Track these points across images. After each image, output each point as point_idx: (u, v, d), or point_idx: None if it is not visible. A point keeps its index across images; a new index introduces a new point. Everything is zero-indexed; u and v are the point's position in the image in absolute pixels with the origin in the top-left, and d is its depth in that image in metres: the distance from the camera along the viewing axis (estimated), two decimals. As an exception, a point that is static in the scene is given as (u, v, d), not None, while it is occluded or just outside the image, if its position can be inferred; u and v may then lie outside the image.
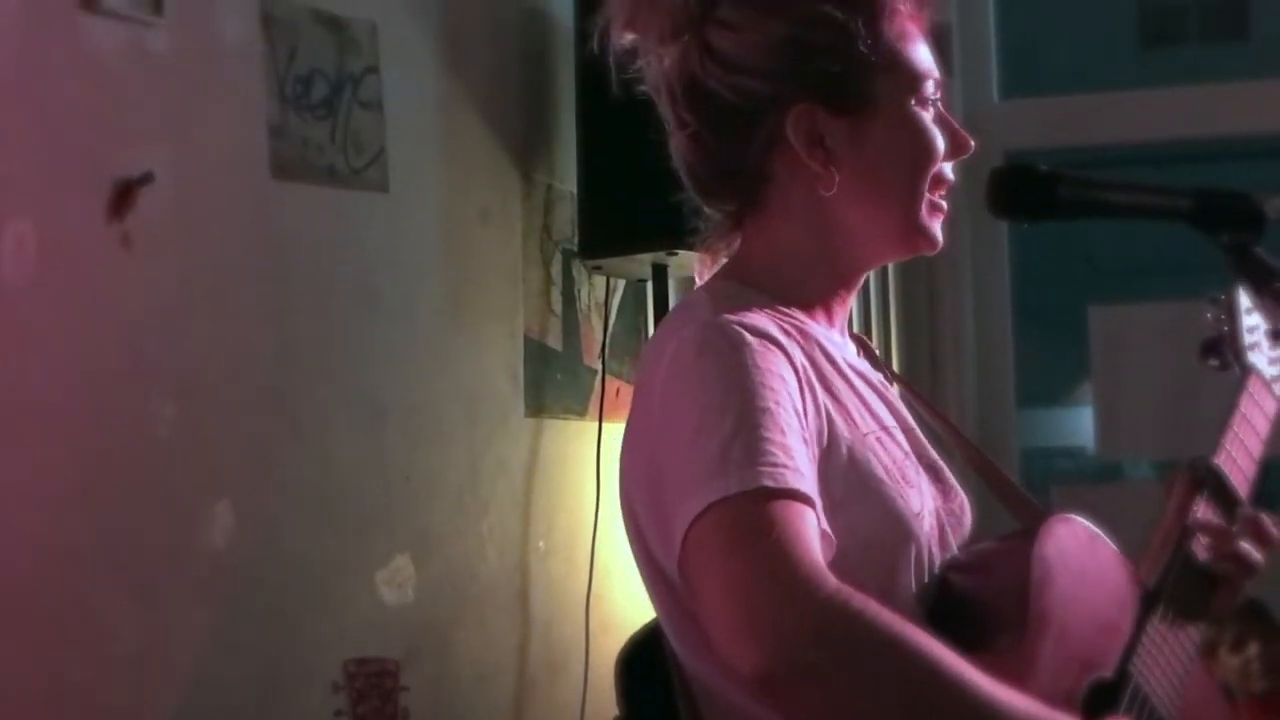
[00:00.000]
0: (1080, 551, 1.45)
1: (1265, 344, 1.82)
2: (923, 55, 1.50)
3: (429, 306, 3.17)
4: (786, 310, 1.46)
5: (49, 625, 2.36)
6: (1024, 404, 3.86)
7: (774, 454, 1.27)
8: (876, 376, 1.55)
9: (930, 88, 1.51)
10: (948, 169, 1.53)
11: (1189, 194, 1.30)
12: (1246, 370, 1.77)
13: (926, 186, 1.51)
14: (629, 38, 1.53)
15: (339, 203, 2.94)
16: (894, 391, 1.60)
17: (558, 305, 3.46)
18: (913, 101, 1.49)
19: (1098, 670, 1.40)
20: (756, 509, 1.24)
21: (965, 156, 1.55)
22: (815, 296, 1.50)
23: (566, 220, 3.49)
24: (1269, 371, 1.80)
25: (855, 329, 3.60)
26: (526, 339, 3.38)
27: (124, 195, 2.49)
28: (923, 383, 3.58)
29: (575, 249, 3.45)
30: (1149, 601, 1.47)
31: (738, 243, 1.56)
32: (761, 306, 1.43)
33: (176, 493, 2.58)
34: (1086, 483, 5.38)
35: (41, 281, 2.37)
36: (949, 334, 3.62)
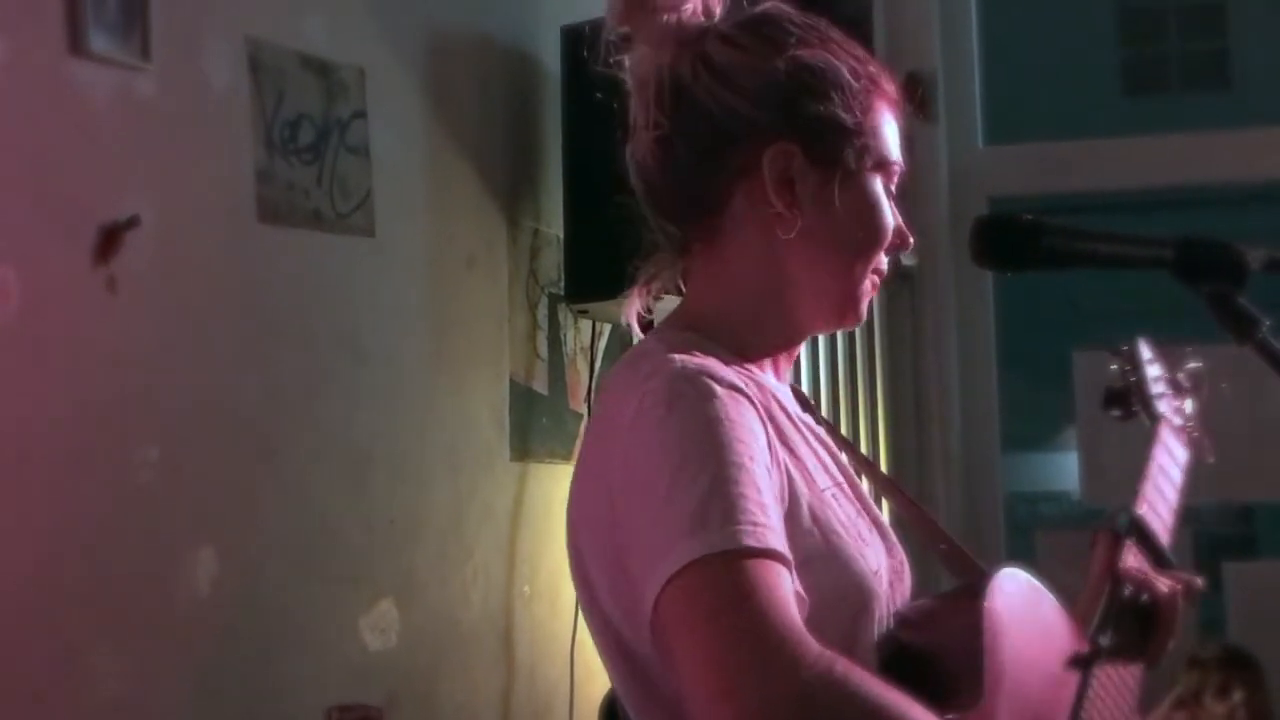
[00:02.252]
0: (1025, 606, 1.44)
1: (1169, 393, 1.83)
2: (895, 142, 1.49)
3: (414, 351, 3.17)
4: (740, 362, 1.43)
5: (29, 670, 2.34)
6: (1009, 449, 3.86)
7: (753, 512, 1.24)
8: (820, 431, 1.53)
9: (895, 175, 1.49)
10: (885, 261, 1.50)
11: (1171, 244, 1.30)
12: (1157, 419, 1.78)
13: (873, 263, 1.48)
14: (621, 30, 1.49)
15: (325, 247, 2.95)
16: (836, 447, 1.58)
17: (544, 349, 3.46)
18: (880, 180, 1.47)
19: None
20: (737, 569, 1.21)
21: (903, 251, 1.53)
22: (765, 349, 1.47)
23: (553, 264, 3.50)
24: (1177, 420, 1.81)
25: (840, 374, 3.65)
26: (512, 383, 3.38)
27: (110, 239, 2.49)
28: (908, 428, 3.58)
29: (561, 293, 3.46)
30: (1091, 653, 1.47)
31: (680, 277, 1.52)
32: (716, 357, 1.39)
33: (159, 538, 2.57)
34: (1071, 528, 5.38)
35: (26, 325, 2.36)
36: (934, 379, 3.63)
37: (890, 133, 1.48)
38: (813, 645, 1.19)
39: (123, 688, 2.47)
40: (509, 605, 3.33)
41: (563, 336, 3.52)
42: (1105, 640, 1.47)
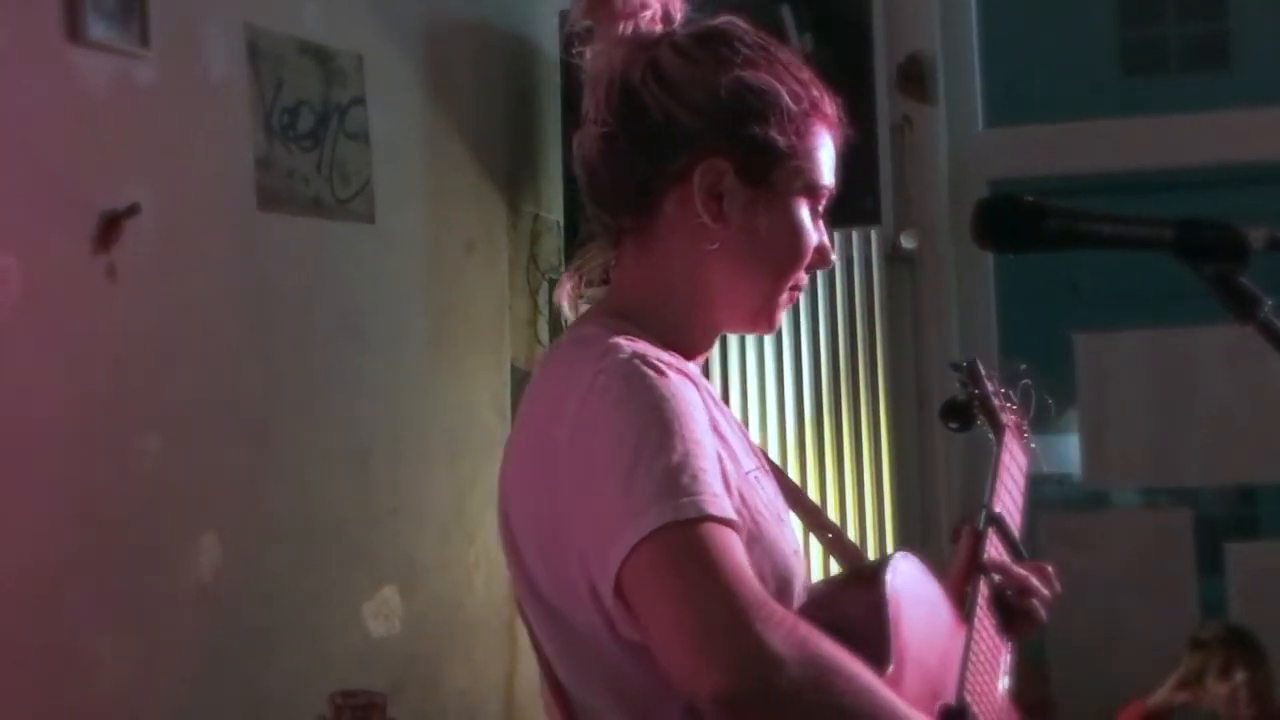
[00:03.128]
0: (921, 586, 1.53)
1: (1005, 407, 1.96)
2: (829, 167, 1.55)
3: (415, 337, 3.17)
4: (665, 349, 1.48)
5: (33, 657, 2.35)
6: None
7: (712, 484, 1.32)
8: (736, 418, 1.59)
9: (824, 198, 1.55)
10: (804, 276, 1.57)
11: (1173, 224, 1.30)
12: (1001, 429, 1.88)
13: (791, 280, 1.55)
14: (584, 23, 1.56)
15: (325, 234, 2.95)
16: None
17: (544, 335, 3.46)
18: (806, 203, 1.53)
19: (943, 698, 1.47)
20: (703, 534, 1.28)
21: (824, 268, 1.61)
22: (687, 342, 1.53)
23: (553, 250, 3.50)
24: (1016, 430, 1.93)
25: (841, 356, 3.65)
26: (513, 369, 3.38)
27: (110, 227, 2.49)
28: (909, 410, 3.58)
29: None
30: (967, 634, 1.56)
31: (612, 267, 1.59)
32: (652, 343, 1.45)
33: (162, 525, 2.57)
34: (1073, 510, 5.38)
35: (27, 313, 2.36)
36: (934, 361, 3.62)
37: (824, 157, 1.54)
38: (776, 605, 1.28)
39: (126, 674, 2.48)
40: (511, 591, 3.33)
41: (563, 322, 3.51)
42: (982, 616, 1.58)
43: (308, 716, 2.58)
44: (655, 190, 1.51)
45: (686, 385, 1.39)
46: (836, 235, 3.62)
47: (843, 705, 1.28)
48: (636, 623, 1.32)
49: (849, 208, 3.88)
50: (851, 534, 3.52)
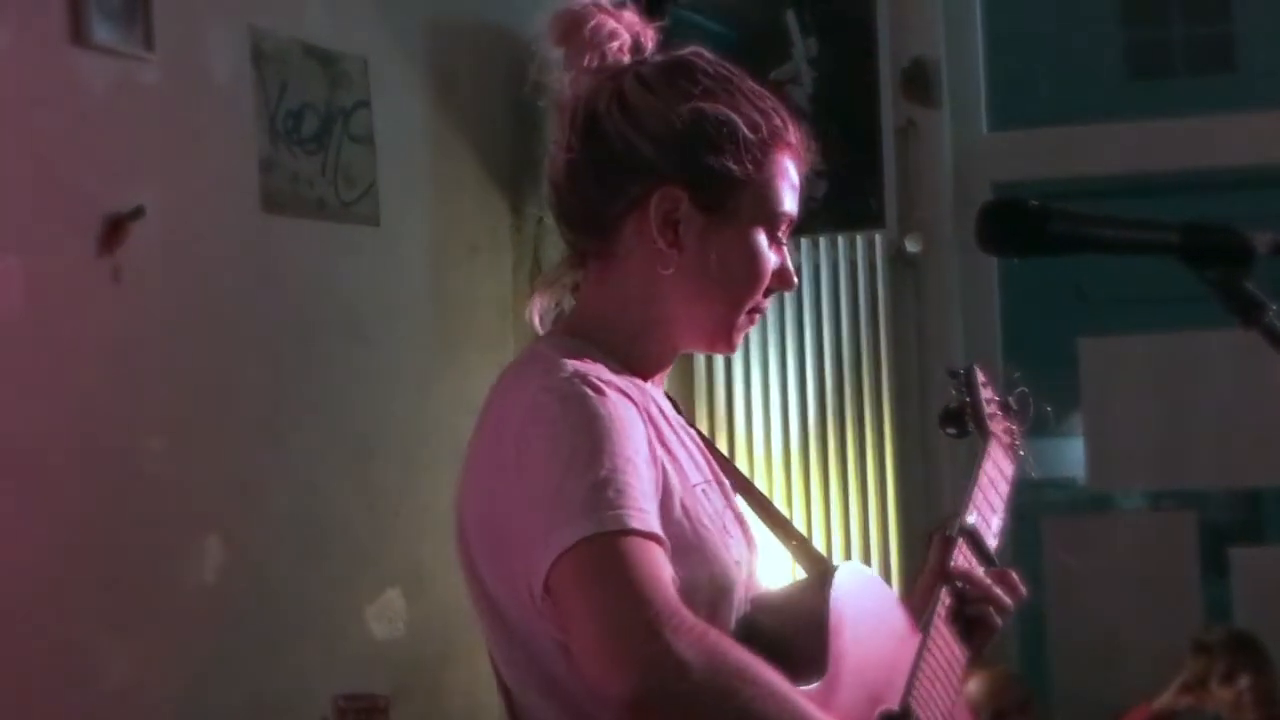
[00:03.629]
0: (867, 596, 1.59)
1: (999, 414, 1.98)
2: (789, 195, 1.58)
3: (419, 339, 3.17)
4: (622, 369, 1.53)
5: (37, 657, 2.35)
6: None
7: (638, 499, 1.37)
8: (692, 433, 1.63)
9: (783, 225, 1.59)
10: (767, 299, 1.62)
11: (1177, 229, 1.30)
12: (988, 436, 1.91)
13: (749, 306, 1.59)
14: (556, 52, 1.62)
15: (329, 236, 2.95)
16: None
17: (548, 338, 3.46)
18: (762, 230, 1.57)
19: (885, 704, 1.52)
20: (624, 546, 1.35)
21: (786, 291, 1.65)
22: (643, 362, 1.57)
23: (556, 252, 3.49)
24: (1004, 439, 1.95)
25: (845, 360, 3.65)
26: (517, 372, 3.38)
27: (115, 229, 2.49)
28: (913, 414, 3.58)
29: (566, 282, 3.45)
30: (921, 642, 1.60)
31: (576, 288, 1.65)
32: (603, 363, 1.50)
33: (165, 526, 2.57)
34: (1078, 513, 5.38)
35: (31, 315, 2.37)
36: (939, 363, 3.62)
37: (784, 186, 1.58)
38: (688, 615, 1.33)
39: (129, 675, 2.48)
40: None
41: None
42: (940, 624, 1.61)
43: (311, 719, 2.57)
44: (615, 215, 1.55)
45: (623, 404, 1.44)
46: (840, 239, 3.66)
47: (748, 711, 1.33)
48: (561, 629, 1.39)
49: (853, 211, 3.91)
50: (854, 537, 3.52)
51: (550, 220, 3.63)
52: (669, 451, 1.50)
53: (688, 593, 1.41)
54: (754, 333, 3.59)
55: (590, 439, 1.40)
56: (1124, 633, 3.69)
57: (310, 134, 2.90)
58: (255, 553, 2.72)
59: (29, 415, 2.35)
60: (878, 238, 3.57)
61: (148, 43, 2.55)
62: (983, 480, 1.84)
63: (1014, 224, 1.32)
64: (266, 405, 2.78)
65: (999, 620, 1.68)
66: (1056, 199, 1.33)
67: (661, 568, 1.35)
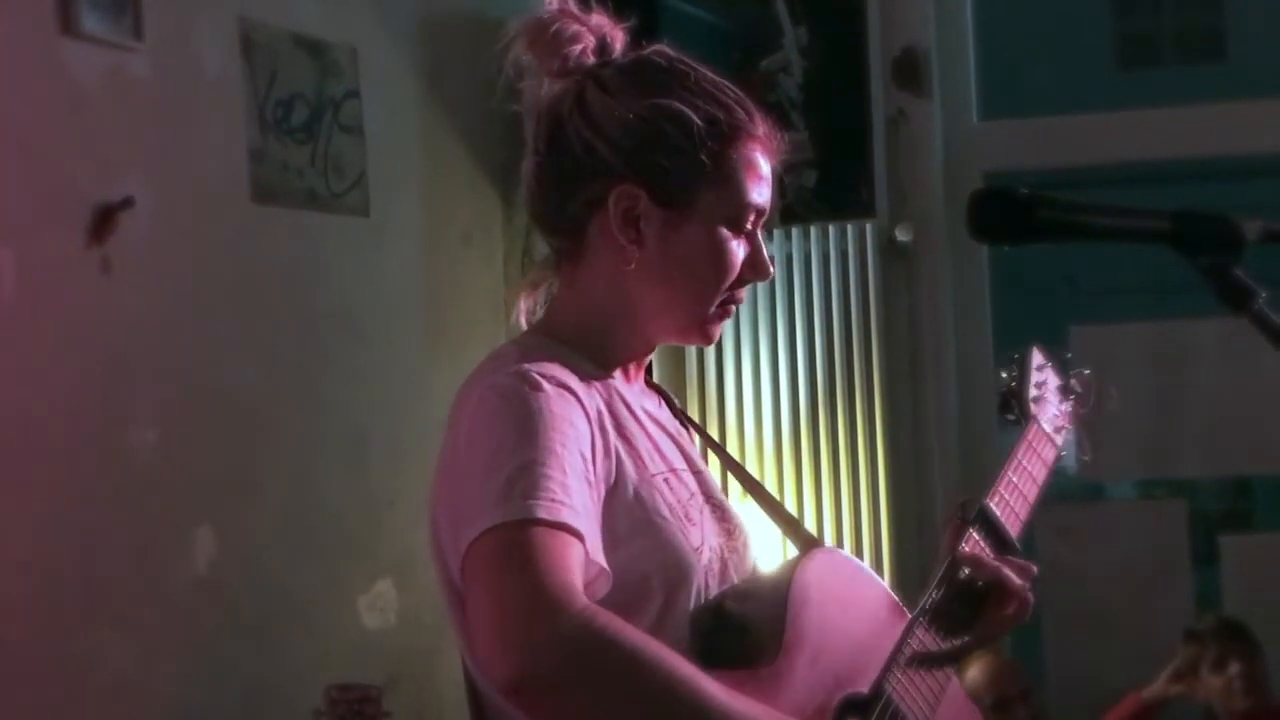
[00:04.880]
0: (839, 580, 1.58)
1: (1053, 399, 1.96)
2: (756, 186, 1.59)
3: (410, 330, 3.17)
4: (589, 365, 1.57)
5: (29, 650, 2.35)
6: (1004, 425, 3.85)
7: (553, 490, 1.40)
8: (674, 424, 1.67)
9: (751, 217, 1.60)
10: (742, 290, 1.63)
11: (1168, 216, 1.30)
12: (1029, 420, 1.90)
13: (718, 298, 1.61)
14: (526, 57, 1.66)
15: (319, 227, 2.94)
16: (690, 438, 1.70)
17: (539, 328, 3.46)
18: (726, 225, 1.58)
19: (853, 688, 1.51)
20: (526, 535, 1.38)
21: (761, 281, 1.64)
22: (613, 356, 1.61)
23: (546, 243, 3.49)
24: (1052, 423, 1.93)
25: (836, 349, 3.65)
26: (508, 362, 3.38)
27: (104, 220, 2.49)
28: (904, 403, 3.58)
29: (557, 272, 3.45)
30: (909, 624, 1.58)
31: (555, 287, 1.68)
32: (565, 360, 1.54)
33: (158, 518, 2.57)
34: (1068, 502, 5.39)
35: (21, 306, 2.36)
36: (930, 354, 3.62)
37: (749, 177, 1.58)
38: (578, 599, 1.36)
39: (122, 667, 2.48)
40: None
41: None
42: (929, 613, 1.59)
43: (303, 710, 2.58)
44: (580, 216, 1.59)
45: (561, 398, 1.47)
46: (831, 228, 3.66)
47: (639, 692, 1.36)
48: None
49: (844, 200, 3.91)
50: (845, 526, 3.52)
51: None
52: (627, 442, 1.53)
53: (640, 579, 1.47)
54: (745, 321, 3.62)
55: (517, 432, 1.44)
56: (1115, 621, 3.69)
57: (300, 124, 2.89)
58: (247, 544, 2.72)
59: (18, 406, 2.35)
60: (868, 227, 3.57)
61: (137, 33, 2.55)
62: (1014, 464, 1.82)
63: (1004, 211, 1.33)
64: (257, 396, 2.78)
65: (1011, 607, 1.64)
66: (1047, 188, 1.34)
67: (563, 556, 1.38)
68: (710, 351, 3.51)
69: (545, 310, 1.68)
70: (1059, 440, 1.93)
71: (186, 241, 2.66)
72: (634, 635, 1.37)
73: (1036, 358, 1.97)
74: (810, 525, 3.48)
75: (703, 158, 1.56)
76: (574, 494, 1.42)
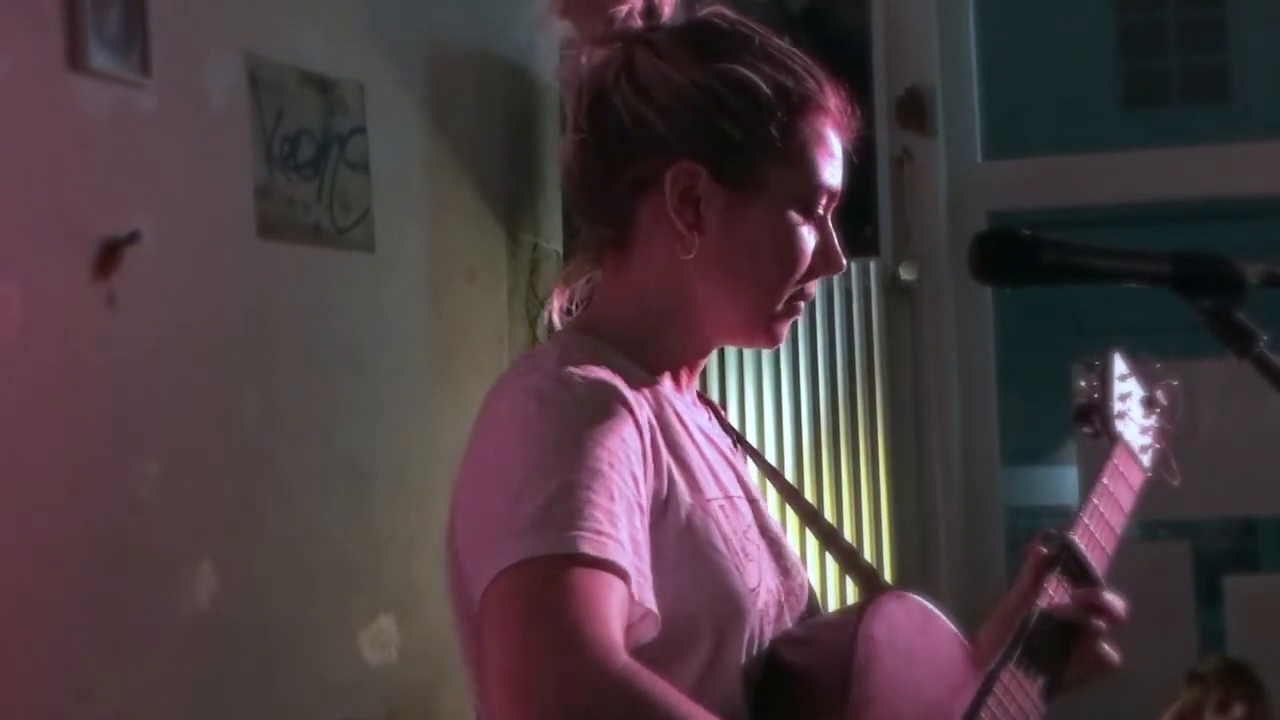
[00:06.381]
0: (910, 630, 1.39)
1: (1138, 412, 1.78)
2: (828, 165, 1.41)
3: (414, 365, 3.17)
4: (638, 368, 1.39)
5: (29, 684, 2.34)
6: (1009, 463, 3.86)
7: (598, 519, 1.21)
8: (726, 443, 1.49)
9: (823, 200, 1.42)
10: (812, 285, 1.44)
11: (1169, 259, 1.30)
12: (1114, 440, 1.71)
13: (787, 292, 1.42)
14: (560, 25, 1.45)
15: (325, 262, 2.95)
16: (743, 460, 1.53)
17: (543, 364, 3.46)
18: (796, 208, 1.40)
19: None
20: (564, 575, 1.18)
21: (833, 275, 1.45)
22: (665, 359, 1.42)
23: (552, 279, 3.50)
24: (1138, 441, 1.75)
25: (840, 387, 3.65)
26: (512, 398, 3.38)
27: (110, 254, 2.50)
28: (908, 442, 3.58)
29: (561, 308, 3.46)
30: (987, 679, 1.40)
31: (595, 281, 1.49)
32: (612, 362, 1.35)
33: (159, 552, 2.57)
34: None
35: (27, 339, 2.36)
36: (933, 393, 3.62)
37: (821, 155, 1.41)
38: (617, 658, 1.16)
39: (122, 702, 2.47)
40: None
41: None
42: (1010, 669, 1.41)
43: (303, 746, 2.56)
44: (628, 199, 1.40)
45: (612, 410, 1.28)
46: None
47: None
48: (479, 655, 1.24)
49: (848, 238, 3.90)
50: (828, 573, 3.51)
51: (546, 246, 3.65)
52: (680, 460, 1.35)
53: (688, 617, 1.28)
54: (748, 358, 3.61)
55: (557, 446, 1.25)
56: (1120, 665, 3.67)
57: (306, 160, 2.90)
58: (249, 579, 2.71)
59: (22, 439, 2.35)
60: (872, 265, 3.57)
61: (145, 69, 2.56)
62: (1100, 491, 1.63)
63: (1007, 254, 1.32)
64: (261, 431, 2.78)
65: (1100, 651, 1.51)
66: (1051, 228, 1.34)
67: (605, 603, 1.18)
68: (713, 385, 3.51)
69: (587, 306, 1.47)
70: (1145, 461, 1.74)
71: (192, 276, 2.66)
72: (680, 703, 1.18)
73: (1119, 365, 1.76)
74: (812, 565, 3.48)
75: (771, 131, 1.37)
76: (621, 524, 1.22)
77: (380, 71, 3.11)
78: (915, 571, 3.50)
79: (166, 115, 2.62)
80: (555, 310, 1.50)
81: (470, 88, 3.39)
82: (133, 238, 2.52)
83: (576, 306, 1.49)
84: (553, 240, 3.49)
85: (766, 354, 3.52)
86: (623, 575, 1.21)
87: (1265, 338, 1.30)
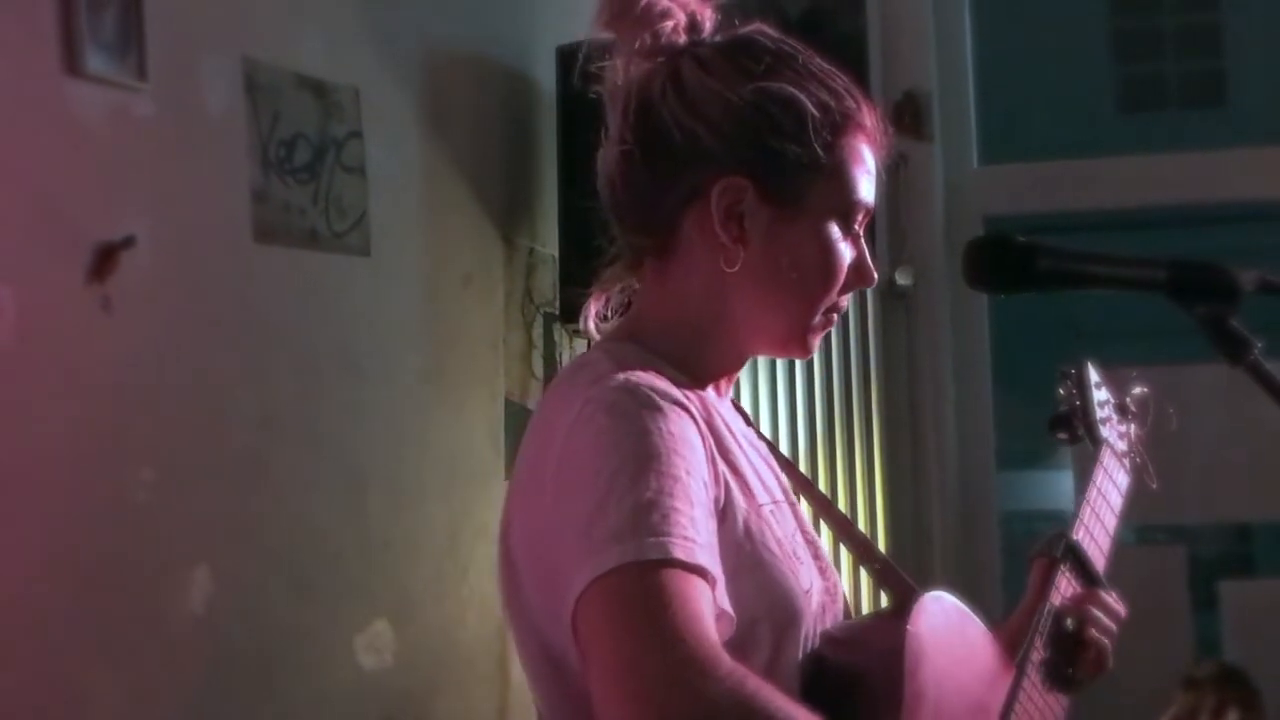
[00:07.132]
0: (950, 629, 1.45)
1: (1115, 418, 1.84)
2: (865, 182, 1.47)
3: (410, 370, 3.17)
4: (684, 377, 1.42)
5: (23, 690, 2.33)
6: (1004, 468, 3.86)
7: (684, 525, 1.24)
8: (763, 448, 1.53)
9: (859, 216, 1.47)
10: (845, 297, 1.50)
11: (1165, 266, 1.30)
12: (1099, 444, 1.78)
13: (825, 304, 1.47)
14: (605, 34, 1.50)
15: (320, 267, 2.95)
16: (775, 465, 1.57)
17: (539, 369, 3.46)
18: (836, 222, 1.46)
19: None
20: (661, 578, 1.21)
21: (866, 288, 1.52)
22: (707, 368, 1.47)
23: (548, 284, 3.50)
24: (1120, 445, 1.81)
25: (835, 392, 3.65)
26: (508, 402, 3.38)
27: (105, 258, 2.49)
28: (903, 447, 3.58)
29: (557, 313, 3.46)
30: (1017, 676, 1.48)
31: (634, 291, 1.53)
32: (663, 371, 1.39)
33: (155, 557, 2.56)
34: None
35: (21, 344, 2.36)
36: (929, 398, 3.63)
37: (859, 172, 1.46)
38: (725, 661, 1.19)
39: (117, 708, 2.47)
40: (505, 625, 3.32)
41: (558, 356, 3.52)
42: (1032, 665, 1.49)
43: (298, 751, 2.56)
44: (674, 210, 1.45)
45: (679, 418, 1.32)
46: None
47: None
48: (582, 662, 1.26)
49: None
50: (844, 571, 3.51)
51: (543, 251, 3.65)
52: (733, 468, 1.39)
53: (750, 623, 1.31)
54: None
55: (636, 455, 1.27)
56: (1113, 667, 3.68)
57: (302, 164, 2.90)
58: (244, 584, 2.71)
59: (16, 444, 2.35)
60: (868, 270, 3.57)
61: (141, 73, 2.56)
62: (1094, 493, 1.71)
63: (1001, 261, 1.32)
64: (257, 435, 2.78)
65: (1105, 651, 1.57)
66: (1047, 233, 1.34)
67: (701, 605, 1.21)
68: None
69: (630, 314, 1.51)
70: (1126, 464, 1.81)
71: (188, 280, 2.66)
72: (784, 704, 1.20)
73: (1093, 374, 1.84)
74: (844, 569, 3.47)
75: (815, 148, 1.42)
76: (702, 529, 1.26)
77: (376, 76, 3.11)
78: (909, 575, 3.50)
79: (163, 119, 2.62)
80: (591, 316, 1.55)
81: (467, 92, 3.39)
82: (128, 242, 2.51)
83: (611, 314, 1.53)
84: (548, 245, 3.49)
85: (762, 360, 3.53)
86: (710, 579, 1.24)
87: (1259, 345, 1.30)
